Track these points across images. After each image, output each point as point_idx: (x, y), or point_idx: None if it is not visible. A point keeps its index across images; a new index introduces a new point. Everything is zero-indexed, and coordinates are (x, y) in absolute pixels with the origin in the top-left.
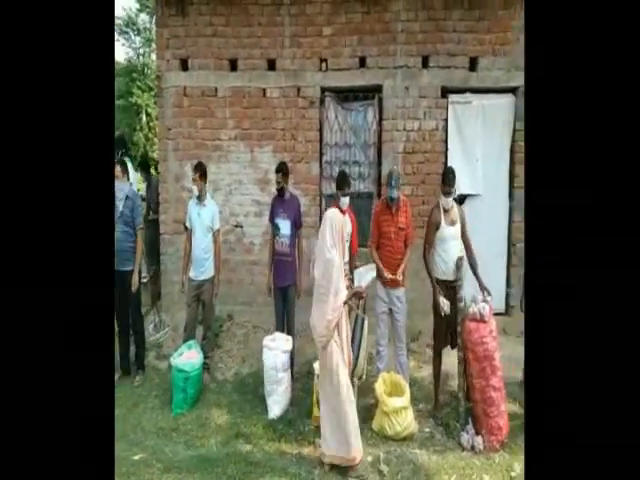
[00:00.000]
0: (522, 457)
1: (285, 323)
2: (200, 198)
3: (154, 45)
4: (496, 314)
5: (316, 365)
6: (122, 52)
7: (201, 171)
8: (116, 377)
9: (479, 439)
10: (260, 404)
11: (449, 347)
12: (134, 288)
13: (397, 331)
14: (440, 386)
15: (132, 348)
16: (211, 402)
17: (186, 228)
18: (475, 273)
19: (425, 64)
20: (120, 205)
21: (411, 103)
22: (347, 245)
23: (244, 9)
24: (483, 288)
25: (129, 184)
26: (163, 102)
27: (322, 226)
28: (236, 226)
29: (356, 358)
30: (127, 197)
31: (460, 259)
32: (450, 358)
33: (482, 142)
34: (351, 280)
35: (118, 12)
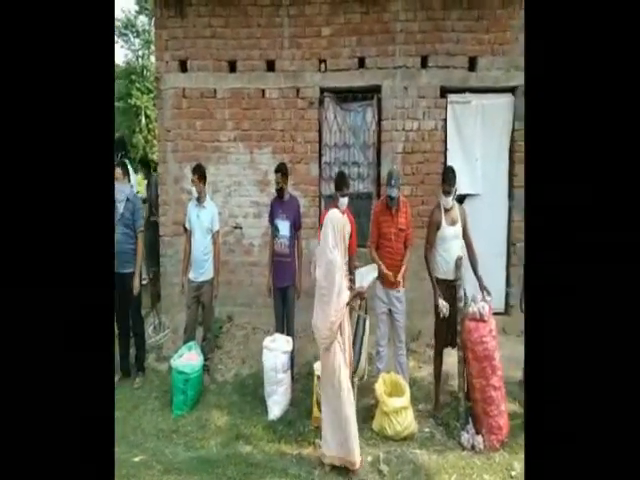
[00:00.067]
0: (522, 456)
1: (285, 324)
2: (199, 200)
3: (153, 47)
4: (496, 313)
5: (316, 366)
6: (121, 54)
7: (200, 173)
8: (116, 379)
9: (479, 438)
10: (260, 405)
11: (449, 347)
12: (135, 291)
13: (397, 331)
14: (440, 386)
15: (132, 350)
16: (211, 403)
17: (186, 230)
18: (476, 273)
19: (424, 64)
20: (121, 207)
21: (410, 103)
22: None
23: (243, 10)
24: (483, 288)
25: (130, 186)
26: (162, 104)
27: (324, 227)
28: (235, 227)
29: (357, 358)
30: (128, 199)
31: (460, 259)
32: (450, 358)
33: (481, 142)
34: (351, 280)
35: (117, 14)
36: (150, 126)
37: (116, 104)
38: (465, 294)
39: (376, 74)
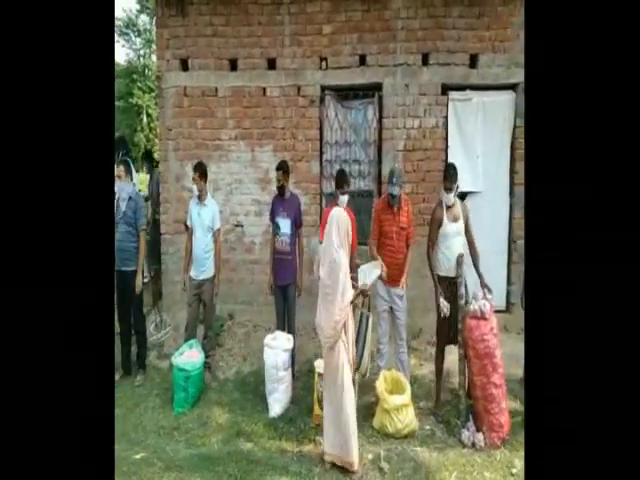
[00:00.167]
0: (523, 454)
1: (286, 322)
2: (200, 198)
3: (154, 46)
4: (497, 311)
5: (317, 363)
6: (122, 53)
7: (201, 171)
8: (117, 377)
9: (480, 436)
10: (261, 403)
11: (451, 344)
12: (138, 290)
13: (398, 329)
14: (441, 383)
15: (133, 348)
16: (212, 401)
17: (187, 227)
18: (477, 270)
19: (425, 61)
20: (123, 205)
21: (411, 101)
22: None
23: (244, 9)
24: (484, 285)
25: (132, 185)
26: (163, 102)
27: (328, 226)
28: (236, 225)
29: (360, 356)
30: (130, 198)
31: (461, 256)
32: (451, 356)
33: (482, 139)
34: (354, 278)
35: (118, 13)
36: (151, 125)
37: (118, 103)
38: (466, 292)
39: (377, 72)
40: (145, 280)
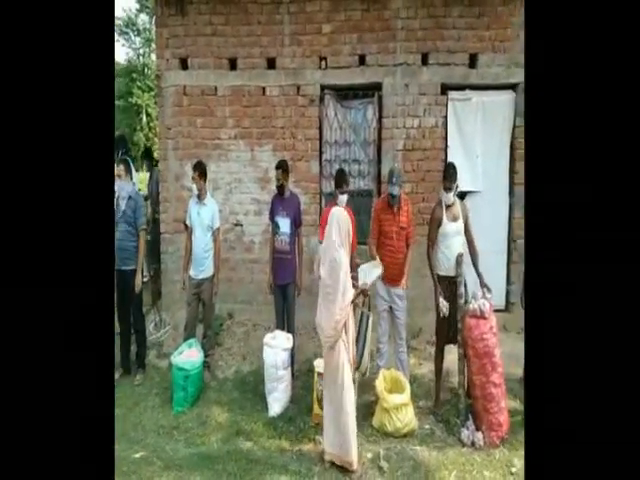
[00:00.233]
0: (522, 453)
1: (285, 321)
2: (200, 197)
3: (154, 45)
4: (496, 310)
5: (316, 363)
6: (122, 52)
7: (200, 170)
8: (117, 376)
9: (479, 435)
10: (260, 402)
11: (450, 344)
12: (137, 289)
13: (397, 328)
14: (440, 383)
15: (133, 347)
16: (212, 400)
17: (186, 227)
18: (476, 269)
19: (425, 61)
20: (123, 205)
21: (411, 100)
22: None
23: (243, 8)
24: (483, 285)
25: (132, 184)
26: (163, 101)
27: (328, 225)
28: (236, 225)
29: (360, 355)
30: (130, 197)
31: (460, 255)
32: (450, 355)
33: (482, 139)
34: (354, 278)
35: (118, 13)
36: (151, 124)
37: (117, 102)
38: (466, 291)
39: (377, 71)
40: (145, 279)
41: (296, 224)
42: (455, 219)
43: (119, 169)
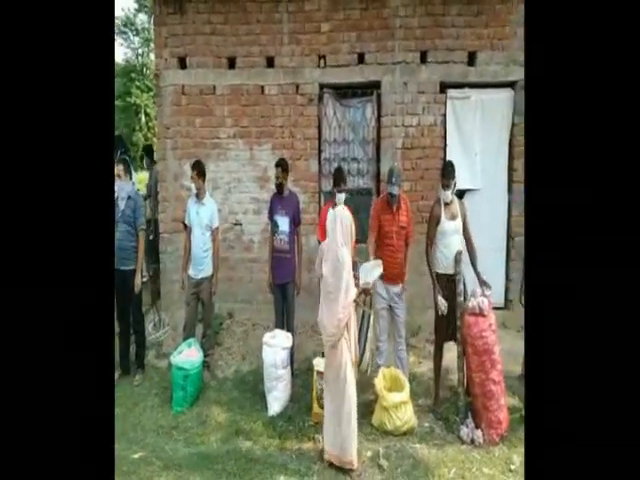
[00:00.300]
0: (521, 450)
1: (284, 320)
2: (199, 196)
3: (152, 45)
4: (495, 308)
5: (315, 361)
6: (121, 52)
7: (199, 169)
8: (116, 376)
9: (479, 433)
10: (260, 401)
11: (450, 341)
12: (137, 289)
13: (397, 327)
14: (440, 381)
15: (132, 347)
16: (211, 400)
17: (185, 226)
18: (475, 268)
19: (423, 59)
20: (122, 205)
21: (410, 99)
22: None
23: (242, 7)
24: (482, 282)
25: (131, 184)
26: (161, 101)
27: (331, 224)
28: (235, 224)
29: (362, 353)
30: (129, 197)
31: (459, 253)
32: (449, 353)
33: (481, 137)
34: (355, 277)
35: (116, 12)
36: (150, 124)
37: (116, 102)
38: (465, 289)
39: (375, 70)
40: (144, 279)
41: (295, 223)
42: (453, 217)
43: (118, 169)
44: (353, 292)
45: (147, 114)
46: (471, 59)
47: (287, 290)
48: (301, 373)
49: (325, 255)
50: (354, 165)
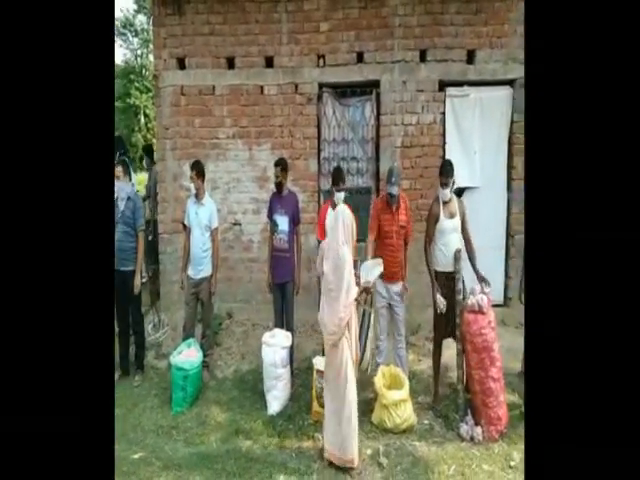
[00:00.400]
0: (521, 447)
1: (284, 319)
2: (198, 197)
3: (151, 46)
4: (494, 305)
5: (315, 360)
6: (120, 53)
7: (198, 169)
8: (115, 377)
9: (478, 430)
10: (260, 400)
11: (449, 339)
12: (136, 290)
13: (396, 325)
14: (439, 378)
15: (131, 348)
16: (211, 400)
17: (185, 227)
18: (474, 267)
19: (423, 58)
20: (121, 205)
21: (409, 97)
22: None
23: (241, 7)
24: (481, 279)
25: (131, 185)
26: (160, 101)
27: (333, 222)
28: (235, 224)
29: (362, 351)
30: (129, 198)
31: (459, 251)
32: (449, 350)
33: (480, 135)
34: (355, 275)
35: (115, 13)
36: (149, 125)
37: (115, 103)
38: (464, 287)
39: (375, 69)
40: (143, 280)
41: (294, 222)
42: (452, 216)
43: (117, 170)
44: (354, 291)
45: (146, 115)
46: (470, 57)
47: (286, 289)
48: (301, 372)
49: (326, 253)
50: (353, 164)
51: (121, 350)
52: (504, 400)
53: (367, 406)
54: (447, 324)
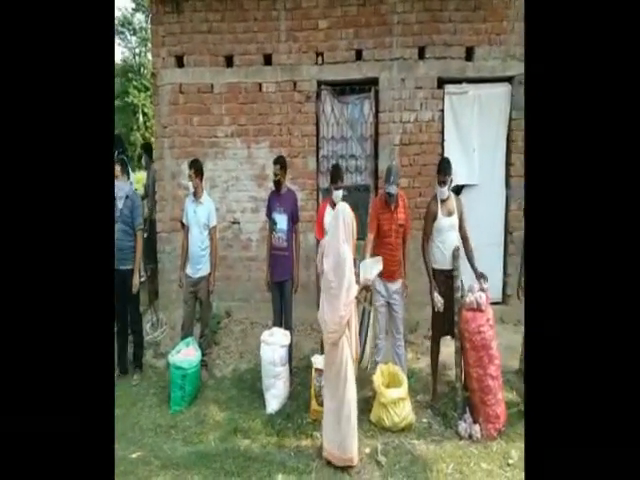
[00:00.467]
0: (519, 445)
1: (282, 318)
2: (196, 195)
3: (150, 44)
4: (493, 303)
5: (314, 359)
6: (118, 52)
7: (196, 168)
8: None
9: (477, 428)
10: (258, 399)
11: (447, 337)
12: (135, 289)
13: (395, 323)
14: (438, 376)
15: (130, 347)
16: (209, 398)
17: (183, 225)
18: (472, 265)
19: (421, 55)
20: (120, 204)
21: (407, 95)
22: None
23: (239, 4)
24: (479, 275)
25: (129, 183)
26: (159, 100)
27: (334, 220)
28: (233, 222)
29: (362, 349)
30: (127, 197)
31: (457, 249)
32: (447, 348)
33: (478, 132)
34: (355, 274)
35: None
36: (147, 124)
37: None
38: (462, 284)
39: (373, 66)
40: (142, 279)
41: (293, 220)
42: (450, 214)
43: (116, 169)
44: (355, 289)
45: (145, 113)
46: (469, 54)
47: (285, 288)
48: (299, 371)
49: (326, 251)
50: (352, 162)
51: (119, 349)
52: (502, 398)
53: (365, 404)
54: (445, 322)
